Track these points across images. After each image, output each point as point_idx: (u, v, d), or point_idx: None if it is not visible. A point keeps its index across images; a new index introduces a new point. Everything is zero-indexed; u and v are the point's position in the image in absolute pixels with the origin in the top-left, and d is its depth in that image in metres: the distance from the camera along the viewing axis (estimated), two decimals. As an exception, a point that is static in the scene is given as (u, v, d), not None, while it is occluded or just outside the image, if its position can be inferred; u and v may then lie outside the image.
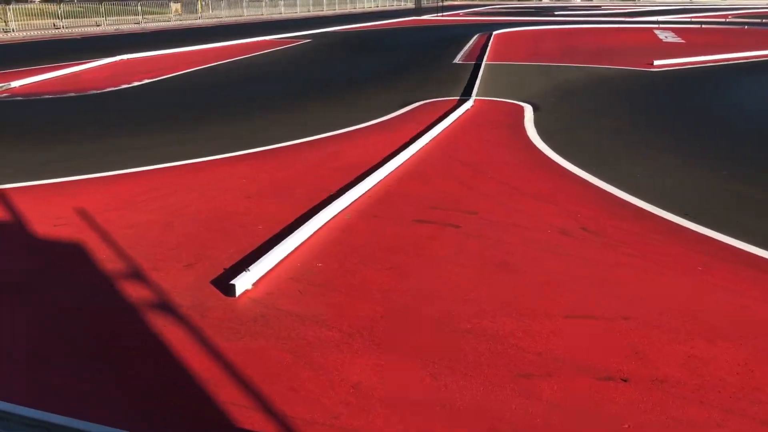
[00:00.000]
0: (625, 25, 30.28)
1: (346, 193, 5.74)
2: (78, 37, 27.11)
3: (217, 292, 4.04)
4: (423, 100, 10.98)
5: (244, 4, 43.21)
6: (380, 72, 15.40)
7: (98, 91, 12.27)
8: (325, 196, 5.89)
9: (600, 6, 60.56)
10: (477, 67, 15.04)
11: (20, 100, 11.50)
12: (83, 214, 5.45)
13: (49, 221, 5.29)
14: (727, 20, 34.41)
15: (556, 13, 45.81)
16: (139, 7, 34.25)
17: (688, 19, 34.14)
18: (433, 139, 8.03)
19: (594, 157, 7.24)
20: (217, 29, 31.04)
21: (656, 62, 15.50)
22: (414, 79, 13.97)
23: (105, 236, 4.94)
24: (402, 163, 6.94)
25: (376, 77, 14.52)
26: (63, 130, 9.16)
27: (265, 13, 44.47)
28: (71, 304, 3.93)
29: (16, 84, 12.74)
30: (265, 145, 7.82)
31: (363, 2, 59.31)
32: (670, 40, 22.77)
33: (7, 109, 10.91)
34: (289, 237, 4.68)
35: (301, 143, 8.00)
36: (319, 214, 5.18)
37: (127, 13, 34.44)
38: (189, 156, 7.33)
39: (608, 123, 9.29)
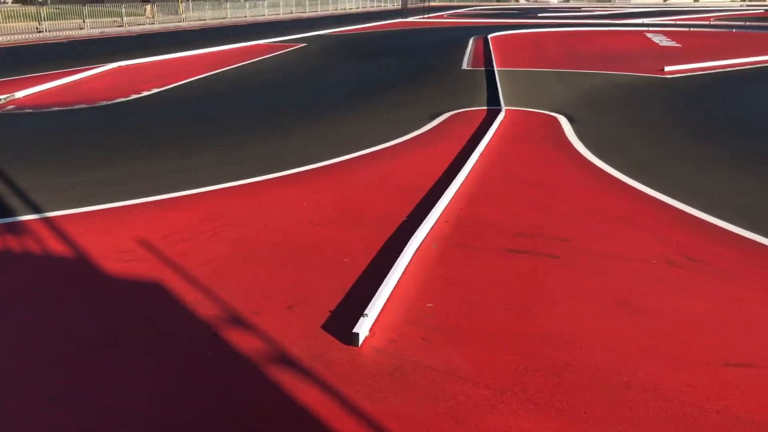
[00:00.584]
0: (614, 28, 30.41)
1: (425, 220, 5.44)
2: (64, 40, 26.28)
3: (334, 340, 3.72)
4: (449, 110, 10.73)
5: (228, 5, 42.55)
6: (393, 79, 15.08)
7: (108, 102, 11.74)
8: (398, 221, 5.62)
9: (579, 8, 61.13)
10: (490, 74, 14.85)
11: (30, 112, 10.88)
12: (149, 246, 5.07)
13: (116, 255, 4.90)
14: (711, 23, 34.85)
15: (539, 15, 46.03)
16: (123, 9, 33.43)
17: (674, 22, 34.48)
18: (480, 154, 7.79)
19: (658, 174, 7.02)
20: (204, 32, 30.43)
21: (667, 68, 15.49)
22: (430, 87, 13.70)
23: (184, 273, 4.59)
24: (462, 182, 6.68)
25: (391, 85, 14.19)
26: (88, 147, 8.55)
27: (248, 15, 43.85)
28: (180, 361, 3.57)
29: (20, 94, 12.10)
30: (308, 164, 7.47)
31: (345, 3, 58.97)
32: (665, 44, 22.90)
33: (20, 124, 10.17)
34: (390, 273, 4.38)
35: (345, 161, 7.67)
36: (408, 245, 4.89)
37: (110, 15, 33.59)
38: (236, 177, 6.95)
39: (656, 136, 9.09)
